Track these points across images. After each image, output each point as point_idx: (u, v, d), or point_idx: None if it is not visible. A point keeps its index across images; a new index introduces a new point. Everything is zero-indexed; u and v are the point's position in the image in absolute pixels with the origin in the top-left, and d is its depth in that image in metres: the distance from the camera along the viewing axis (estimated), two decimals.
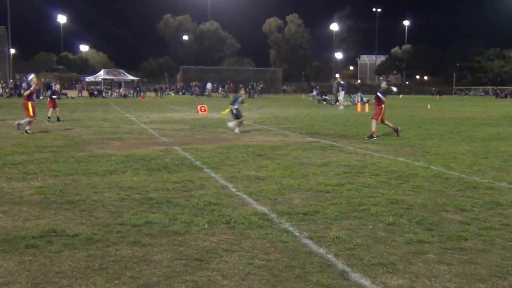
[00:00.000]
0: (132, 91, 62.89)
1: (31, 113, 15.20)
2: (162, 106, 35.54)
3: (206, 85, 68.52)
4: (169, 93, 73.02)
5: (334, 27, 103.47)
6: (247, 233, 5.22)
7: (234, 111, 15.88)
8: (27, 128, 15.13)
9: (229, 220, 5.66)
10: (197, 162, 9.71)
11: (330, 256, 4.57)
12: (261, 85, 68.74)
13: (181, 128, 17.76)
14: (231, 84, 70.05)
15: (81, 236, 4.98)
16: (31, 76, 16.43)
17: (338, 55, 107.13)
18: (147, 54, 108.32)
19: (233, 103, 16.05)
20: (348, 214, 6.03)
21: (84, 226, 5.37)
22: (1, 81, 57.79)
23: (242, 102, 16.32)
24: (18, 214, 5.87)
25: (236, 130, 15.72)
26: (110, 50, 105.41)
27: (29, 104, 15.22)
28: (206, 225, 5.44)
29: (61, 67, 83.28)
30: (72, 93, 57.60)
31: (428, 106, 36.36)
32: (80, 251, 4.58)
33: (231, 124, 15.99)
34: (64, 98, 26.42)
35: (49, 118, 19.93)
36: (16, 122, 16.02)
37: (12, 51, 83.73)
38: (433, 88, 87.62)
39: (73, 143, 12.69)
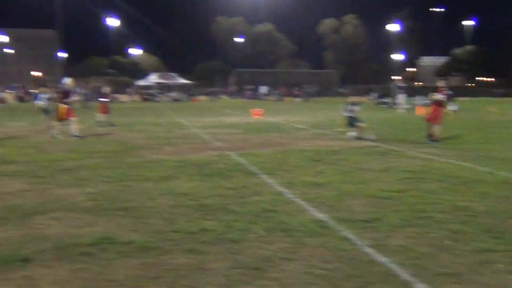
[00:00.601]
0: (184, 95, 64.03)
1: (62, 116, 15.68)
2: (214, 110, 35.98)
3: (259, 88, 68.86)
4: (222, 96, 73.88)
5: (393, 27, 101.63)
6: (305, 241, 5.15)
7: (349, 119, 15.09)
8: (54, 131, 15.63)
9: (286, 227, 5.61)
10: (252, 168, 9.72)
11: (393, 266, 4.45)
12: (313, 88, 68.35)
13: (234, 132, 17.88)
14: (284, 88, 70.08)
15: (134, 244, 5.05)
16: (67, 80, 17.00)
17: (397, 57, 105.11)
18: (199, 57, 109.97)
19: (346, 111, 15.26)
20: (411, 221, 5.87)
21: (138, 233, 5.45)
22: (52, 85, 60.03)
23: (355, 109, 15.20)
24: (70, 220, 6.02)
25: (365, 136, 14.65)
26: (161, 54, 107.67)
27: (63, 107, 15.71)
28: (262, 233, 5.41)
29: (112, 70, 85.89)
30: (123, 97, 59.22)
31: (492, 109, 35.02)
32: (134, 259, 4.65)
33: (351, 134, 15.04)
34: (115, 102, 27.31)
35: (100, 122, 20.52)
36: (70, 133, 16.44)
37: (64, 54, 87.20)
38: (496, 90, 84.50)
39: (125, 148, 12.99)
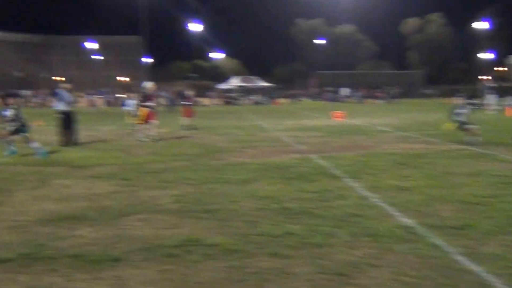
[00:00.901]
0: (265, 98, 64.59)
1: (143, 119, 16.22)
2: (295, 113, 36.00)
3: (340, 90, 68.18)
4: (302, 99, 73.80)
5: (480, 25, 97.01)
6: (392, 247, 5.02)
7: (458, 123, 14.47)
8: (140, 135, 16.15)
9: (372, 232, 5.49)
10: (335, 171, 9.60)
11: (487, 275, 4.26)
12: (396, 90, 66.64)
13: (316, 135, 17.78)
14: (365, 89, 68.91)
15: (219, 246, 5.12)
16: (147, 84, 17.57)
17: (486, 56, 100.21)
18: (279, 60, 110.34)
19: (456, 114, 14.60)
20: (505, 228, 5.59)
21: (222, 236, 5.52)
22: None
23: (465, 112, 14.58)
24: (157, 222, 6.21)
25: (470, 139, 13.95)
26: (242, 57, 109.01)
27: (144, 110, 16.25)
28: (347, 238, 5.32)
29: (193, 75, 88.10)
30: (205, 101, 60.60)
31: None
32: (219, 262, 4.71)
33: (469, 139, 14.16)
34: (197, 106, 28.13)
35: (184, 126, 21.09)
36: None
37: (149, 60, 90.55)
38: None
39: (208, 151, 13.26)
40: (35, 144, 12.39)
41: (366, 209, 6.59)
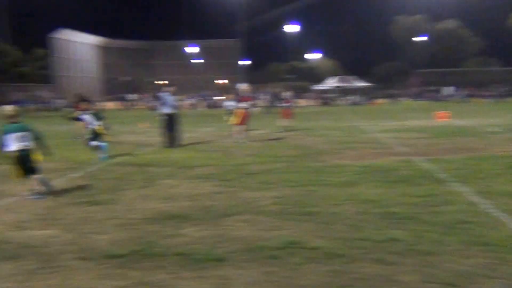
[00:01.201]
0: (363, 98, 63.56)
1: (240, 121, 16.42)
2: (395, 113, 35.03)
3: (443, 89, 65.51)
4: (402, 99, 71.70)
5: None
6: (506, 258, 4.74)
7: None
8: (239, 136, 16.35)
9: (484, 241, 5.20)
10: (441, 175, 9.20)
11: None
12: (505, 88, 62.71)
13: (418, 136, 17.17)
14: (471, 88, 65.63)
15: (321, 250, 5.08)
16: (242, 86, 17.76)
17: None
18: (377, 59, 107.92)
19: None
20: None
21: (324, 239, 5.47)
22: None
23: None
24: (258, 223, 6.27)
25: None
26: (339, 57, 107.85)
27: (240, 112, 16.45)
28: (458, 246, 5.07)
29: (290, 76, 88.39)
30: (302, 102, 60.64)
31: None
32: (321, 265, 4.67)
33: None
34: (295, 107, 28.13)
35: (283, 127, 21.19)
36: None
37: (247, 62, 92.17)
38: None
39: (306, 153, 13.23)
40: (101, 146, 12.80)
41: (476, 215, 6.25)
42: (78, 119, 15.54)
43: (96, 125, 12.88)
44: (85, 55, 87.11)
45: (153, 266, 4.80)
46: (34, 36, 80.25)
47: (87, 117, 13.18)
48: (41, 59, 79.47)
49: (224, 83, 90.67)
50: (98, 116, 13.11)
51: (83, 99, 14.70)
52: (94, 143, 12.83)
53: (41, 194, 8.13)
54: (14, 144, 7.92)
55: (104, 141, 12.84)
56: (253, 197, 7.83)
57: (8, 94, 61.04)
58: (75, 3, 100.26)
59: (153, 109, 30.78)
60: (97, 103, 27.08)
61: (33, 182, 8.19)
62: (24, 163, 8.03)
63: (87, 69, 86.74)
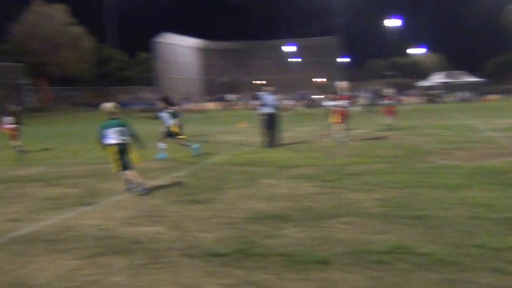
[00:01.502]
0: (472, 94, 60.65)
1: (340, 119, 16.12)
2: (509, 110, 32.97)
3: None
4: None
5: None
6: None
7: None
8: (338, 136, 16.03)
9: None
10: None
11: None
12: None
13: None
14: None
15: (432, 256, 4.85)
16: (340, 83, 17.39)
17: None
18: (488, 52, 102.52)
19: None
20: None
21: (434, 245, 5.22)
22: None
23: None
24: (361, 226, 6.12)
25: None
26: (445, 51, 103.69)
27: (339, 110, 16.15)
28: None
29: (389, 73, 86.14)
30: (404, 99, 58.85)
31: None
32: (433, 273, 4.46)
33: None
34: (398, 105, 27.27)
35: (385, 125, 20.66)
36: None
37: (345, 60, 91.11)
38: None
39: (411, 153, 12.78)
40: (162, 145, 13.63)
41: None
42: (158, 118, 16.51)
43: (170, 123, 13.66)
44: (186, 57, 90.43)
45: (256, 266, 4.84)
46: (138, 41, 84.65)
47: (164, 115, 13.92)
48: (144, 63, 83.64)
49: (322, 82, 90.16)
50: (174, 115, 13.82)
51: (163, 99, 15.34)
52: (184, 142, 13.83)
53: (139, 186, 8.72)
54: (112, 138, 8.67)
55: (194, 142, 13.71)
56: (356, 198, 7.67)
57: (114, 97, 64.66)
58: (176, 8, 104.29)
59: (252, 108, 31.22)
60: (196, 104, 27.90)
61: (128, 177, 8.85)
62: (122, 156, 8.71)
63: (188, 71, 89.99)
